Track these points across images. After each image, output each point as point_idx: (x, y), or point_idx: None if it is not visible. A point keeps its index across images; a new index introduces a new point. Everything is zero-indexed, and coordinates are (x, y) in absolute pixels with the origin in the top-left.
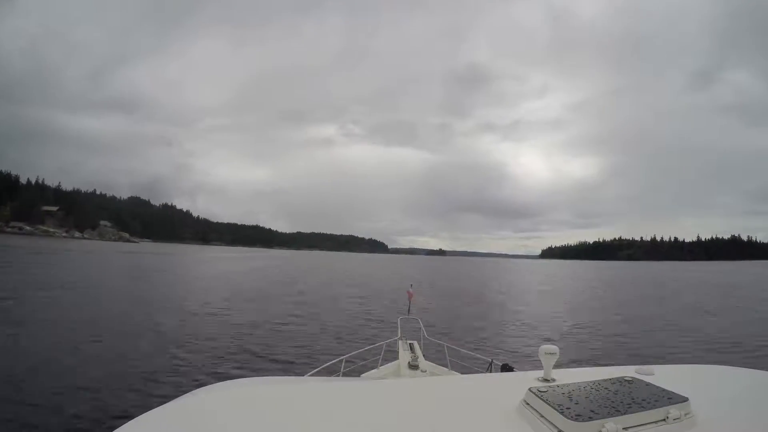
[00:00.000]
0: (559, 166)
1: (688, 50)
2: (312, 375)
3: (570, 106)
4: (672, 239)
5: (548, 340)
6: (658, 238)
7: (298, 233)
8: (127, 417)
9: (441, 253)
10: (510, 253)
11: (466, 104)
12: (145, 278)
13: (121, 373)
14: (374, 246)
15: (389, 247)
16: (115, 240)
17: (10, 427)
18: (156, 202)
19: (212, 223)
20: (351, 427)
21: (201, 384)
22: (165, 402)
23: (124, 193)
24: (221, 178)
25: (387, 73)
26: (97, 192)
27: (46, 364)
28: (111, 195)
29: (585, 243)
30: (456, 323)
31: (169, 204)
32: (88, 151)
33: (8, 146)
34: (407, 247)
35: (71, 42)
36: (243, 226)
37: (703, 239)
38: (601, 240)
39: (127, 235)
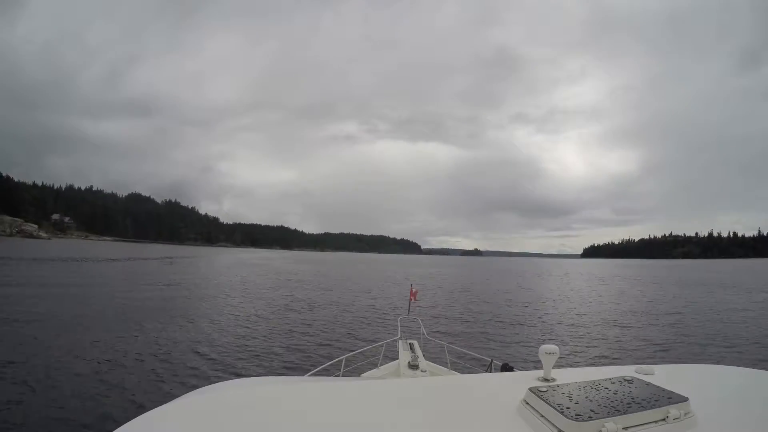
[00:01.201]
0: (595, 160)
1: (734, 28)
2: (312, 375)
3: (607, 92)
4: (731, 234)
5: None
6: (715, 234)
7: (326, 234)
8: (127, 417)
9: (477, 253)
10: (545, 252)
11: (496, 94)
12: None
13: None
14: (407, 247)
15: (422, 247)
16: (8, 235)
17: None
18: (186, 204)
19: (222, 223)
20: (351, 427)
21: (200, 384)
22: (164, 402)
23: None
24: (247, 180)
25: (410, 63)
26: (93, 188)
27: None
28: (111, 192)
29: (631, 240)
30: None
31: (173, 201)
32: (110, 156)
33: (28, 151)
34: (439, 247)
35: (85, 44)
36: (265, 227)
37: (765, 234)
38: (651, 237)
39: (35, 227)
